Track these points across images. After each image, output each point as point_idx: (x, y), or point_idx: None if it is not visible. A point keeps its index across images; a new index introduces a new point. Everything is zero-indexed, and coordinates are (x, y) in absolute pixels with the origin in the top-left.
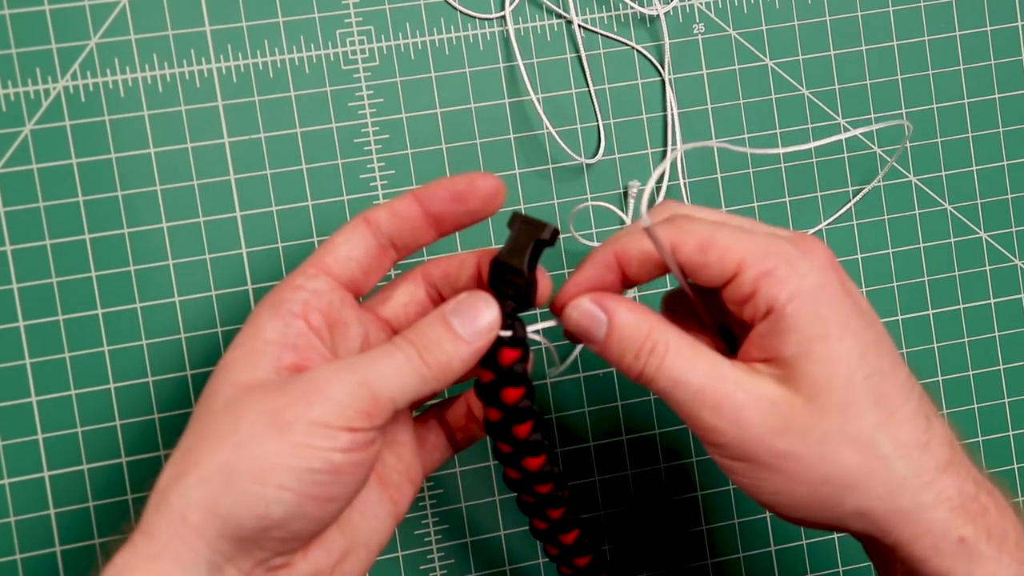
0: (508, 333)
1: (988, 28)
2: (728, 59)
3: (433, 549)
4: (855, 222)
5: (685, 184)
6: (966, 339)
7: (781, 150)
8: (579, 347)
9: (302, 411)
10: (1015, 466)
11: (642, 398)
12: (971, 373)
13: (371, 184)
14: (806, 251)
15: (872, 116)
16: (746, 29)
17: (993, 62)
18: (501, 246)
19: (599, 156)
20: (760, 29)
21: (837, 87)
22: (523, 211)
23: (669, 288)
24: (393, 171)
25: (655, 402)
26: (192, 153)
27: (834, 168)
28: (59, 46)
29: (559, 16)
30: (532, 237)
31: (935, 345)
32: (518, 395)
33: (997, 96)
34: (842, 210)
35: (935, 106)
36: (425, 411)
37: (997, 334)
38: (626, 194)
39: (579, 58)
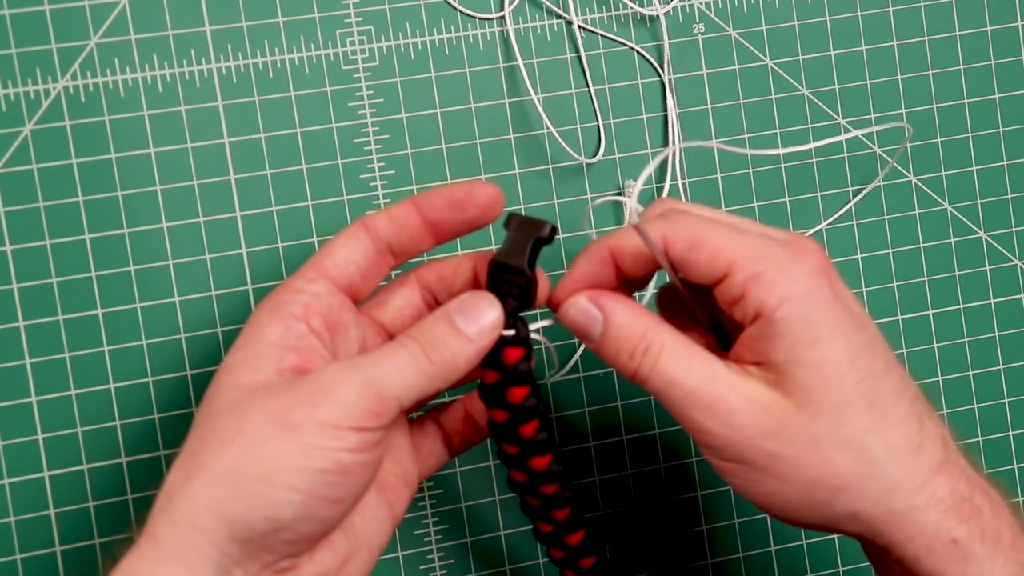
0: (511, 332)
1: (988, 28)
2: (728, 59)
3: (433, 549)
4: (855, 222)
5: (685, 184)
6: (966, 339)
7: (781, 150)
8: (581, 348)
9: (310, 412)
10: (1015, 466)
11: (642, 398)
12: (971, 373)
13: (371, 184)
14: (797, 255)
15: (872, 116)
16: (746, 29)
17: (993, 62)
18: (498, 248)
19: (599, 156)
20: (760, 29)
21: (837, 87)
22: (523, 211)
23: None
24: (393, 171)
25: (655, 402)
26: (192, 153)
27: (834, 168)
28: (59, 46)
29: (559, 16)
30: (530, 236)
31: (935, 345)
32: (524, 394)
33: (997, 96)
34: (842, 210)
35: (935, 106)
36: (422, 415)
37: (997, 334)
38: (622, 194)
39: (579, 58)
